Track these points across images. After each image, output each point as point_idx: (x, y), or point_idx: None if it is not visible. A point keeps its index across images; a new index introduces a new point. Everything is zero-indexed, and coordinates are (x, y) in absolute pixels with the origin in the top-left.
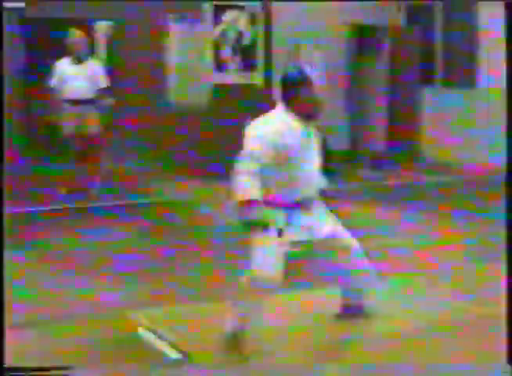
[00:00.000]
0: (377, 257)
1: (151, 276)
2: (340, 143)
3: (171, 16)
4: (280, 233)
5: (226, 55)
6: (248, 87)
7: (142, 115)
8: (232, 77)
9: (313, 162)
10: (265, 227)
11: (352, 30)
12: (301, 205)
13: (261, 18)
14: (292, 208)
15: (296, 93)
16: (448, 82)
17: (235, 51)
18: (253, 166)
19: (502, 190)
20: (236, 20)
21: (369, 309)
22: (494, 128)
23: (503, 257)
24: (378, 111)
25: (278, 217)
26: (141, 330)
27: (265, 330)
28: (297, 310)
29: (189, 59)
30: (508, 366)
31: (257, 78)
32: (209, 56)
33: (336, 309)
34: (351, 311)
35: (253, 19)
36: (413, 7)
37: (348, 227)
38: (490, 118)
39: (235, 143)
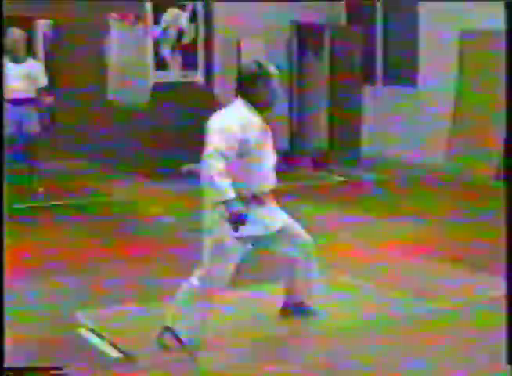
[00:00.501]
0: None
1: (94, 276)
2: (281, 143)
3: (111, 14)
4: (236, 227)
5: (167, 53)
6: (189, 85)
7: (82, 114)
8: (173, 75)
9: (270, 156)
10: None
11: (293, 29)
12: (257, 199)
13: (201, 16)
14: (248, 202)
15: (255, 86)
16: (390, 81)
17: (175, 49)
18: (222, 165)
19: (440, 188)
20: (176, 19)
21: (309, 306)
22: (434, 127)
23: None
24: (319, 110)
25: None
26: (83, 331)
27: (208, 328)
28: (239, 308)
29: (130, 57)
30: (508, 367)
31: (198, 76)
32: (150, 54)
33: (277, 306)
34: (294, 307)
35: (193, 18)
36: (355, 6)
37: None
38: (431, 117)
39: (176, 141)
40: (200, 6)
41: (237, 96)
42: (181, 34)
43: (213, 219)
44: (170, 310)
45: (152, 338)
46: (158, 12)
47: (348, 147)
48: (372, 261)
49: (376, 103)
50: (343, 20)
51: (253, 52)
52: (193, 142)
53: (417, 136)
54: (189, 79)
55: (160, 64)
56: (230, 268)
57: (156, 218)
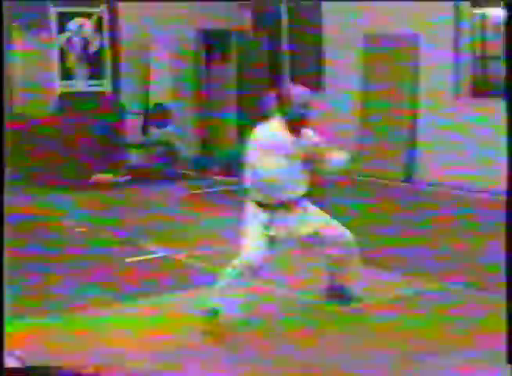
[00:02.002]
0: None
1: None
2: (191, 148)
3: (14, 24)
4: (266, 228)
5: (73, 63)
6: (96, 94)
7: None
8: (80, 85)
9: (297, 166)
10: None
11: (200, 36)
12: (284, 206)
13: (107, 25)
14: (276, 208)
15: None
16: (297, 85)
17: (81, 58)
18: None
19: (353, 189)
20: (81, 27)
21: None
22: (342, 129)
23: None
24: (227, 115)
25: (264, 214)
26: None
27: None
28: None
29: (35, 68)
30: (508, 367)
31: (104, 85)
32: (55, 64)
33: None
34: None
35: (99, 26)
36: (260, 12)
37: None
38: (338, 120)
39: (84, 151)
40: (105, 15)
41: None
42: (86, 43)
43: (250, 215)
44: (214, 294)
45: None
46: (63, 21)
47: None
48: (283, 264)
49: None
50: (248, 26)
51: (160, 60)
52: (101, 152)
53: (325, 140)
54: (95, 88)
55: (66, 74)
56: (260, 258)
57: (63, 227)
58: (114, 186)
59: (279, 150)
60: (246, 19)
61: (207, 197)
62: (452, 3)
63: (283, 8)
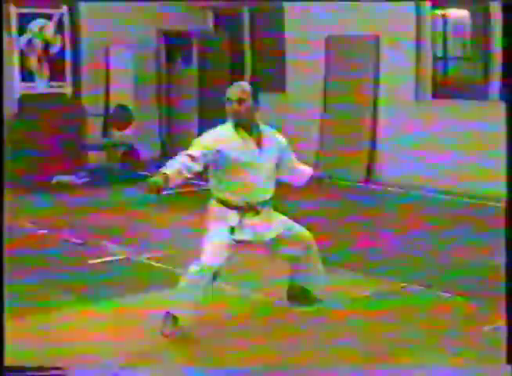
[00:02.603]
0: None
1: None
2: (152, 150)
3: None
4: (232, 230)
5: (33, 64)
6: (57, 96)
7: None
8: (40, 86)
9: (262, 171)
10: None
11: (161, 37)
12: (251, 209)
13: (68, 26)
14: (243, 211)
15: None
16: (258, 86)
17: (42, 60)
18: (182, 158)
19: (313, 190)
20: (42, 29)
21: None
22: (304, 130)
23: None
24: (189, 117)
25: (230, 216)
26: None
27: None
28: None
29: None
30: (508, 367)
31: (65, 87)
32: (15, 66)
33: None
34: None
35: (60, 28)
36: (222, 12)
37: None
38: (300, 121)
39: (45, 153)
40: (66, 16)
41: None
42: (47, 44)
43: (215, 217)
44: (171, 296)
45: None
46: (23, 22)
47: None
48: (244, 267)
49: None
50: (210, 27)
51: (121, 61)
52: (62, 153)
53: (288, 141)
54: (56, 90)
55: (27, 76)
56: (221, 260)
57: (24, 229)
58: (75, 187)
59: (228, 151)
60: (207, 20)
61: (168, 198)
62: (413, 4)
63: (245, 9)
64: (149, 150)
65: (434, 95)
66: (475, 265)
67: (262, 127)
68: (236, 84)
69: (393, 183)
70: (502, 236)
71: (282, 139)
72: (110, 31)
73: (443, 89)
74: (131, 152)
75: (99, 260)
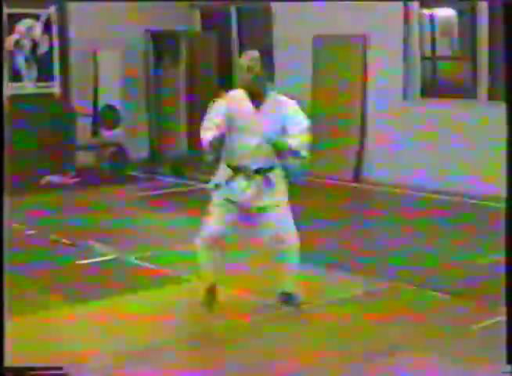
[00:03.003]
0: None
1: None
2: (141, 150)
3: None
4: (217, 186)
5: (22, 65)
6: (46, 97)
7: None
8: (29, 87)
9: (255, 137)
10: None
11: (149, 37)
12: (243, 173)
13: (56, 27)
14: (234, 172)
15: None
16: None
17: (30, 61)
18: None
19: (307, 191)
20: (30, 29)
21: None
22: None
23: None
24: (177, 117)
25: (220, 175)
26: None
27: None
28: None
29: None
30: (508, 367)
31: (54, 88)
32: (4, 66)
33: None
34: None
35: (48, 27)
36: (210, 12)
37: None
38: None
39: (34, 153)
40: (54, 16)
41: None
42: (35, 44)
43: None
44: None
45: None
46: (11, 22)
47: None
48: (236, 268)
49: None
50: (198, 27)
51: (109, 62)
52: (52, 154)
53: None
54: (45, 90)
55: (15, 76)
56: (220, 224)
57: (13, 230)
58: (64, 188)
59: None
60: (195, 20)
61: (156, 198)
62: (401, 4)
63: (233, 9)
64: (137, 150)
65: (423, 95)
66: (464, 265)
67: (272, 94)
68: (246, 52)
69: (381, 183)
70: (492, 235)
71: (286, 108)
72: (98, 31)
73: (431, 89)
74: (119, 152)
75: (87, 260)
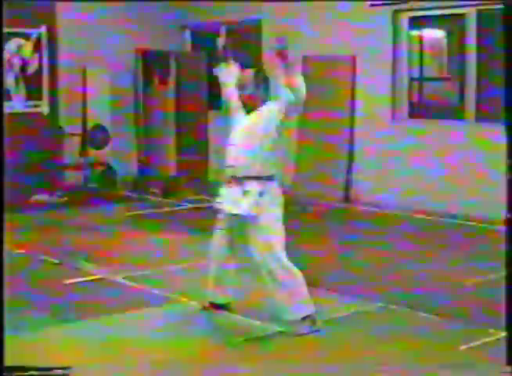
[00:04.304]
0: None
1: None
2: (129, 170)
3: None
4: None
5: (11, 84)
6: (34, 115)
7: None
8: (17, 106)
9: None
10: None
11: (139, 56)
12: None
13: (45, 46)
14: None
15: None
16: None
17: (19, 79)
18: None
19: (290, 210)
20: (20, 48)
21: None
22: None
23: None
24: (166, 136)
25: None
26: None
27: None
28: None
29: None
30: (508, 367)
31: (42, 106)
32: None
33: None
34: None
35: (38, 47)
36: (199, 32)
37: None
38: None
39: (22, 172)
40: (44, 35)
41: None
42: (25, 63)
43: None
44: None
45: None
46: (1, 41)
47: (197, 173)
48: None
49: (222, 129)
50: (188, 47)
51: (98, 80)
52: (39, 173)
53: None
54: (33, 109)
55: (4, 95)
56: (220, 237)
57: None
58: (52, 207)
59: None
60: (185, 40)
61: (145, 218)
62: (389, 24)
63: (222, 28)
64: (126, 170)
65: (411, 116)
66: (452, 285)
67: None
68: (241, 71)
69: (370, 203)
70: (480, 256)
71: (270, 102)
72: (88, 50)
73: (419, 109)
74: (108, 171)
75: (75, 280)
